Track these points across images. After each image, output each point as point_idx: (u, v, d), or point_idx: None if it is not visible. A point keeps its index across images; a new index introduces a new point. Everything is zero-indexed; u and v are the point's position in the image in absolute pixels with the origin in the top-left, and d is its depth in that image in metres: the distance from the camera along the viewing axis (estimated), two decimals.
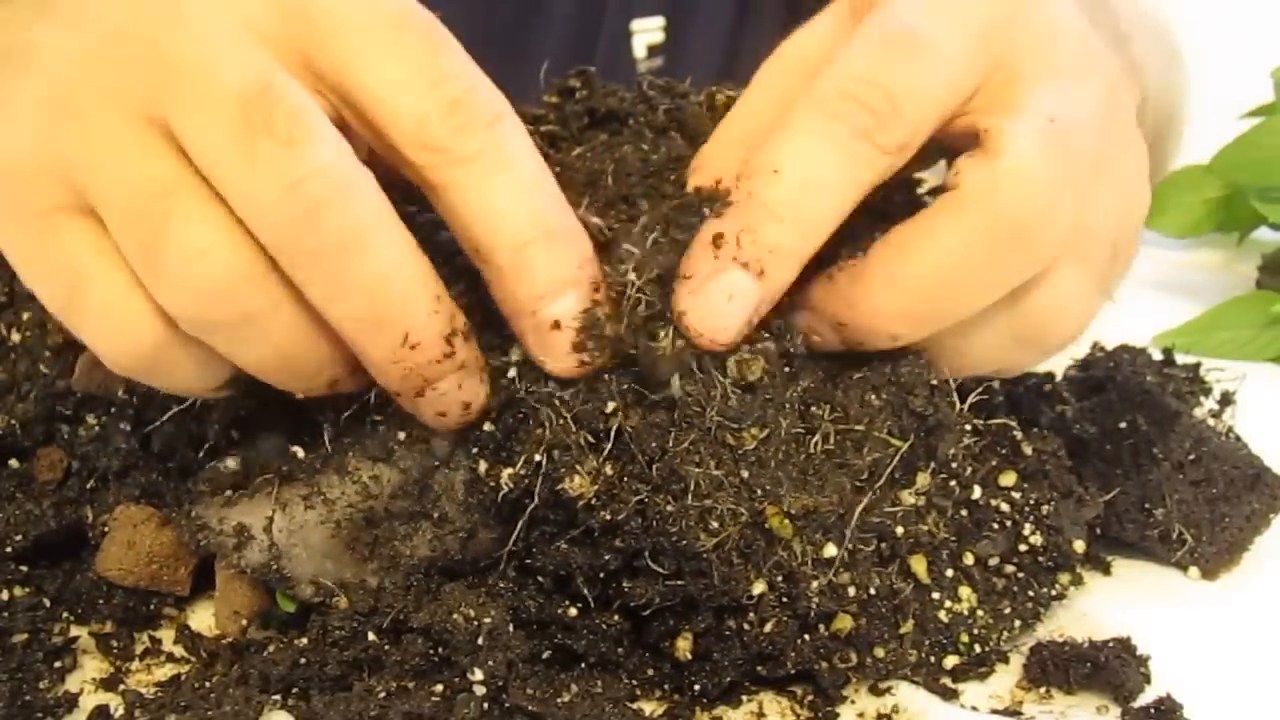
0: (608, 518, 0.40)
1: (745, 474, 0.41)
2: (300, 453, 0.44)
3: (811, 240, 0.42)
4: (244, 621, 0.44)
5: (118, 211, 0.39)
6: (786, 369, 0.43)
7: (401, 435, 0.42)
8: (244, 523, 0.43)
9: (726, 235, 0.41)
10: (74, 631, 0.45)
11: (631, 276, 0.41)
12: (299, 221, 0.38)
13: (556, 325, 0.40)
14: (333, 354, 0.41)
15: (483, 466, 0.42)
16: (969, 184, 0.42)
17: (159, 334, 0.41)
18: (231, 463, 0.44)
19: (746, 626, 0.41)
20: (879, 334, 0.43)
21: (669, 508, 0.40)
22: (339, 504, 0.42)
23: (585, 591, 0.42)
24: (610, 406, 0.41)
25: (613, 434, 0.40)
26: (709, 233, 0.42)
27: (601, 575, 0.41)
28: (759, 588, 0.41)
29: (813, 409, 0.44)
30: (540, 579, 0.42)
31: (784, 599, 0.41)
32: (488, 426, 0.42)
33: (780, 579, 0.41)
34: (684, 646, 0.42)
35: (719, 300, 0.41)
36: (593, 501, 0.40)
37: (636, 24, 0.92)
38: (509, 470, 0.41)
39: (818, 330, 0.44)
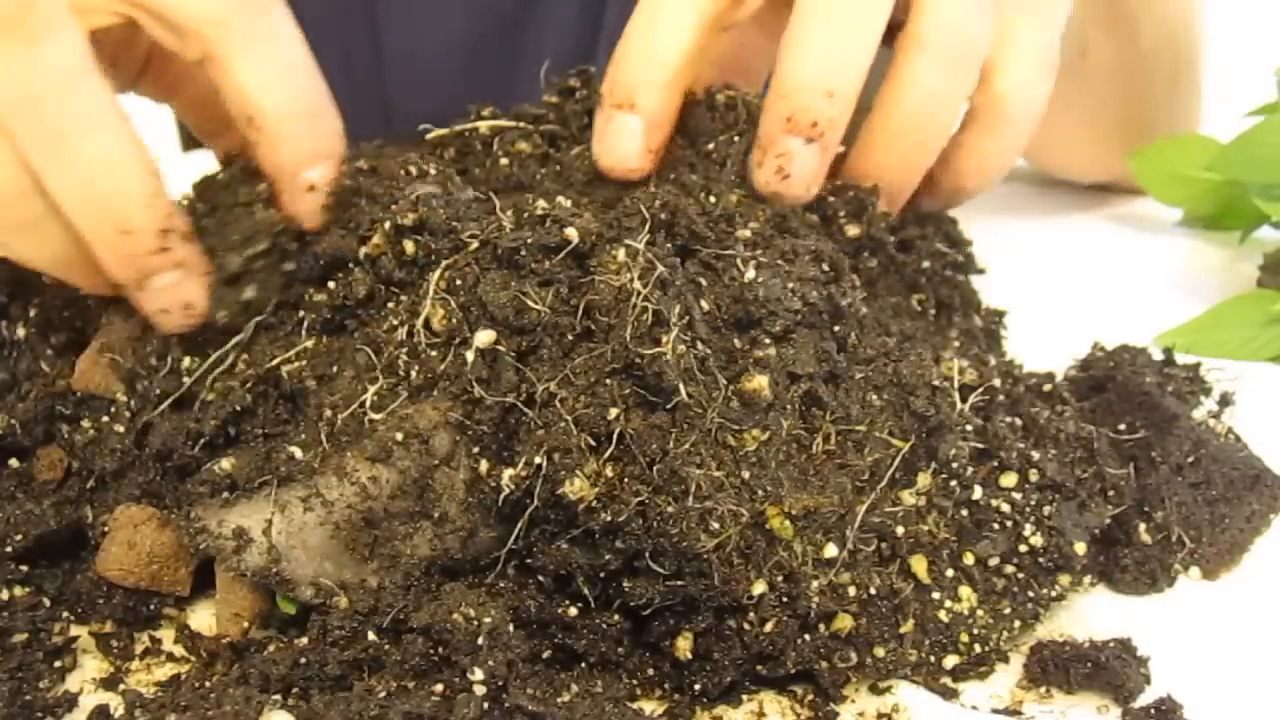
0: (608, 519, 0.40)
1: (746, 475, 0.41)
2: (298, 453, 0.43)
3: (665, 66, 0.52)
4: (245, 623, 0.44)
5: None
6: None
7: (400, 436, 0.42)
8: (242, 525, 0.43)
9: (602, 92, 0.53)
10: (74, 631, 0.45)
11: (637, 285, 0.41)
12: (28, 105, 0.43)
13: (312, 188, 0.48)
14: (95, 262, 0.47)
15: (484, 466, 0.42)
16: (914, 30, 0.53)
17: None
18: (226, 464, 0.44)
19: (747, 626, 0.41)
20: (817, 96, 0.51)
21: (670, 509, 0.40)
22: (338, 505, 0.42)
23: (585, 591, 0.42)
24: (612, 412, 0.41)
25: (614, 436, 0.40)
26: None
27: (602, 575, 0.41)
28: (759, 588, 0.41)
29: (814, 409, 0.44)
30: (540, 578, 0.42)
31: (784, 599, 0.41)
32: (487, 426, 0.42)
33: (781, 579, 0.41)
34: (684, 646, 0.41)
35: (610, 138, 0.53)
36: (593, 504, 0.40)
37: None
38: (510, 471, 0.41)
39: (790, 152, 0.51)
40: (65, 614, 0.45)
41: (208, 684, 0.41)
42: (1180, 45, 0.84)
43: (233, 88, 0.47)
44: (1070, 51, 0.77)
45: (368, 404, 0.43)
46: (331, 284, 0.47)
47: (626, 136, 0.52)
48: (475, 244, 0.44)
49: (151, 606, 0.46)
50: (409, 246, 0.45)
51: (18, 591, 0.45)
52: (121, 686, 0.43)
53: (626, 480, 0.40)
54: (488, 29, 0.90)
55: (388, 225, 0.46)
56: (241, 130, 0.48)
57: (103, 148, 0.45)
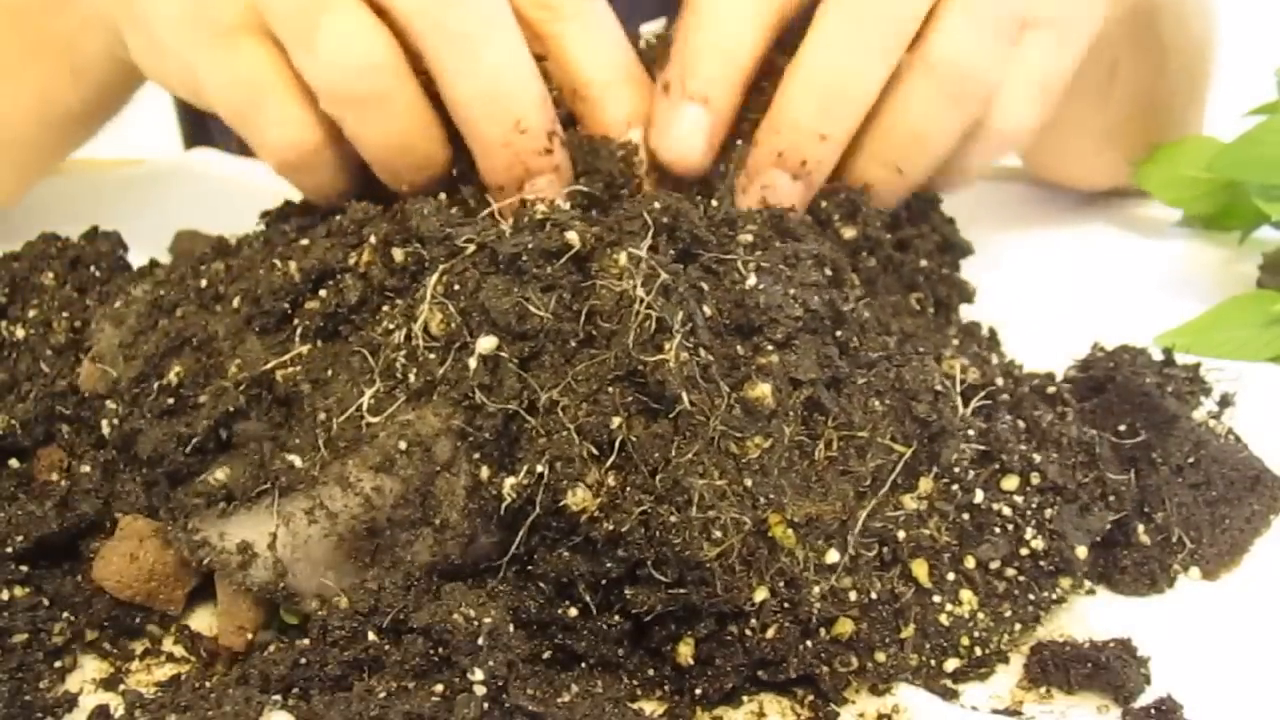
0: (610, 529, 0.40)
1: (748, 482, 0.41)
2: (297, 461, 0.43)
3: (738, 63, 0.52)
4: (249, 635, 0.43)
5: (281, 13, 0.48)
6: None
7: (403, 444, 0.42)
8: (247, 540, 0.42)
9: (671, 81, 0.53)
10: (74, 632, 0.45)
11: (640, 292, 0.41)
12: (441, 6, 0.47)
13: (631, 145, 0.53)
14: (443, 143, 0.51)
15: (484, 472, 0.42)
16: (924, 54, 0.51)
17: (318, 138, 0.51)
18: (221, 474, 0.43)
19: (748, 633, 0.41)
20: (810, 138, 0.51)
21: (672, 518, 0.40)
22: (342, 516, 0.42)
23: (587, 598, 0.42)
24: (614, 421, 0.40)
25: (616, 445, 0.40)
26: (659, 84, 0.53)
27: (603, 583, 0.41)
28: (761, 594, 0.41)
29: (816, 415, 0.44)
30: (541, 585, 0.42)
31: (786, 605, 0.41)
32: (489, 433, 0.42)
33: (782, 585, 0.41)
34: (686, 652, 0.41)
35: (681, 130, 0.52)
36: (595, 514, 0.40)
37: (645, 28, 0.93)
38: (511, 480, 0.41)
39: (775, 185, 0.52)
40: (65, 614, 0.45)
41: (208, 684, 0.41)
42: (1200, 66, 0.84)
43: (564, 61, 0.52)
44: (1099, 70, 0.77)
45: (364, 407, 0.43)
46: (323, 292, 0.46)
47: (695, 131, 0.52)
48: (472, 248, 0.43)
49: (137, 620, 0.45)
50: (398, 255, 0.45)
51: (18, 592, 0.45)
52: (121, 686, 0.43)
53: (629, 490, 0.40)
54: None
55: (373, 239, 0.46)
56: (569, 102, 0.54)
57: (508, 48, 0.49)
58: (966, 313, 0.62)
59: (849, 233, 0.53)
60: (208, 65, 0.51)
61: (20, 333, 0.52)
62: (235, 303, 0.48)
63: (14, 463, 0.50)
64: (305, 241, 0.50)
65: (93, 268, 0.56)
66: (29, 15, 0.61)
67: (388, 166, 0.52)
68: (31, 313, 0.53)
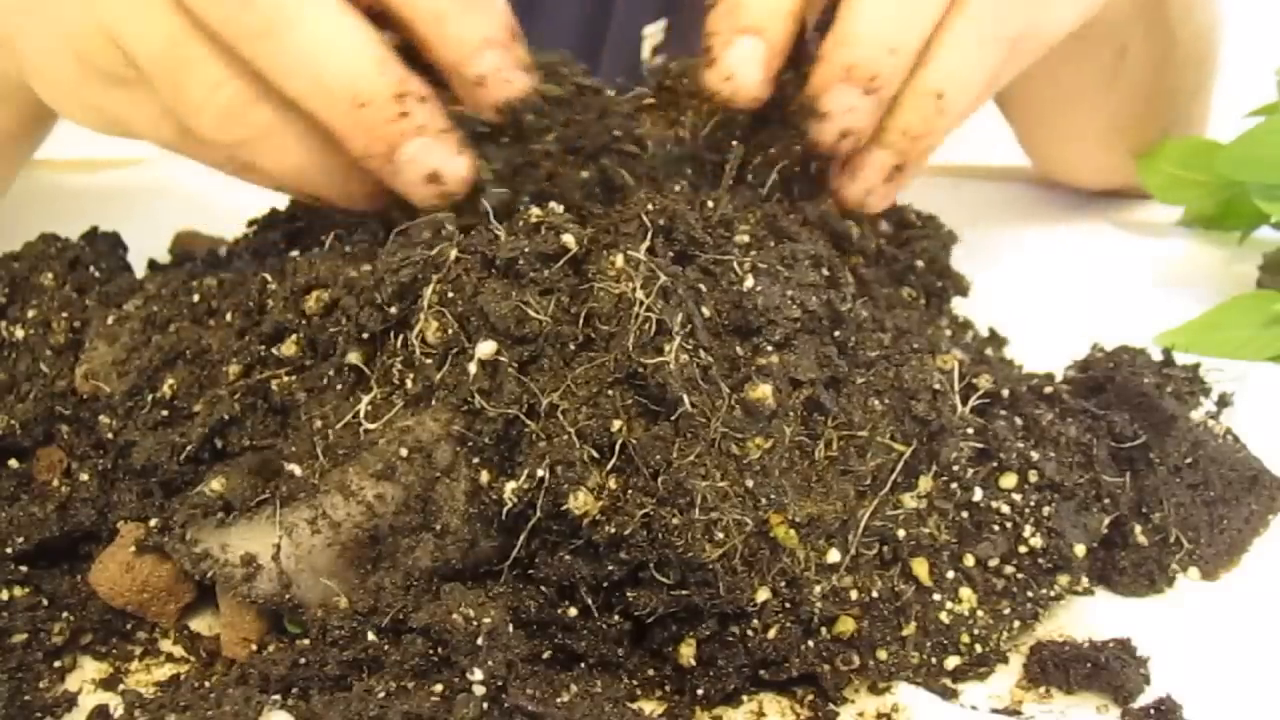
0: (612, 531, 0.40)
1: (750, 483, 0.41)
2: (297, 470, 0.43)
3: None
4: (253, 646, 0.43)
5: (149, 74, 0.47)
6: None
7: (404, 451, 0.42)
8: (251, 552, 0.42)
9: (720, 18, 0.52)
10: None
11: (640, 294, 0.41)
12: (234, 6, 0.43)
13: (481, 81, 0.47)
14: (342, 163, 0.47)
15: (484, 477, 0.42)
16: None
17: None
18: (216, 484, 0.43)
19: (750, 633, 0.41)
20: (880, 50, 0.50)
21: (675, 520, 0.40)
22: (344, 525, 0.42)
23: (589, 601, 0.42)
24: (615, 423, 0.40)
25: (617, 448, 0.40)
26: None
27: (605, 585, 0.41)
28: (763, 595, 0.41)
29: (816, 415, 0.44)
30: (543, 588, 0.42)
31: (787, 604, 0.41)
32: (489, 438, 0.42)
33: (784, 585, 0.41)
34: (687, 653, 0.41)
35: (736, 60, 0.51)
36: (597, 517, 0.40)
37: (647, 29, 0.93)
38: (512, 484, 0.40)
39: (846, 102, 0.51)
40: (65, 614, 0.45)
41: (207, 684, 0.41)
42: (1206, 57, 0.84)
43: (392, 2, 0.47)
44: (1107, 53, 0.77)
45: (362, 414, 0.42)
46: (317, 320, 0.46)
47: (751, 63, 0.52)
48: (454, 254, 0.43)
49: (129, 626, 0.45)
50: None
51: (18, 592, 0.45)
52: (121, 686, 0.43)
53: (630, 492, 0.40)
54: None
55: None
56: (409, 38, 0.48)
57: (319, 26, 0.45)
58: (967, 313, 0.62)
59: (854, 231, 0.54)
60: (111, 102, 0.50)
61: (20, 333, 0.52)
62: (228, 316, 0.48)
63: (14, 463, 0.50)
64: (297, 253, 0.50)
65: (92, 268, 0.56)
66: None
67: (306, 191, 0.49)
68: (31, 313, 0.53)
